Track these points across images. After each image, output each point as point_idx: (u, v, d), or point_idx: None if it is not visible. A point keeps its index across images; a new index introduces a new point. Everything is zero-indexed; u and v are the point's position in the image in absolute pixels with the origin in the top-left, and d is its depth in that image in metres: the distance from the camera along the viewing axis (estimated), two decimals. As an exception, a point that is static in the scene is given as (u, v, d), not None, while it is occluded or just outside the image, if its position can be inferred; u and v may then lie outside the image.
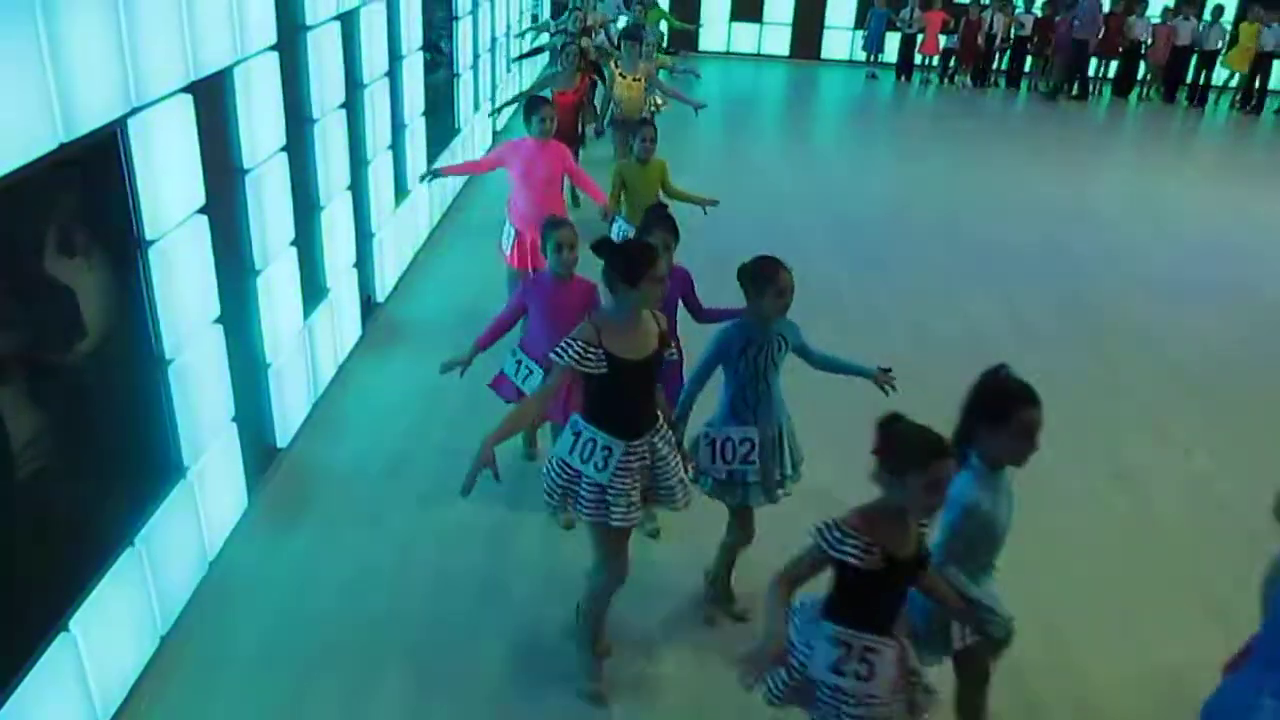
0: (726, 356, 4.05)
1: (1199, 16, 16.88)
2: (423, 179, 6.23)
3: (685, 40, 15.55)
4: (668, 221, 4.69)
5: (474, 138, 10.54)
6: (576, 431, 3.70)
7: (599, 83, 10.54)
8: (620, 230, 6.11)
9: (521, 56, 12.88)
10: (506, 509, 5.08)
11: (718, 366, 4.09)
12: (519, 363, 4.78)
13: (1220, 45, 16.68)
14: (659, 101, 10.05)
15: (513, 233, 6.14)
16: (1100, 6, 16.51)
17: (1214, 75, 17.02)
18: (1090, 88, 17.32)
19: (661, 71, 10.38)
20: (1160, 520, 5.43)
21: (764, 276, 4.01)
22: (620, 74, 9.08)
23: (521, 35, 13.82)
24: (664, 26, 14.39)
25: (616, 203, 6.31)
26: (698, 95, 10.80)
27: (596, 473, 3.65)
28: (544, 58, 12.70)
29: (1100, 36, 16.85)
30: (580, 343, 3.51)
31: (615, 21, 13.32)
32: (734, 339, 4.03)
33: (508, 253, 6.20)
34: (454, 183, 9.63)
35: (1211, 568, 5.04)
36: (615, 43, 11.81)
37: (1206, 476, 5.87)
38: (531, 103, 6.18)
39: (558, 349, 3.55)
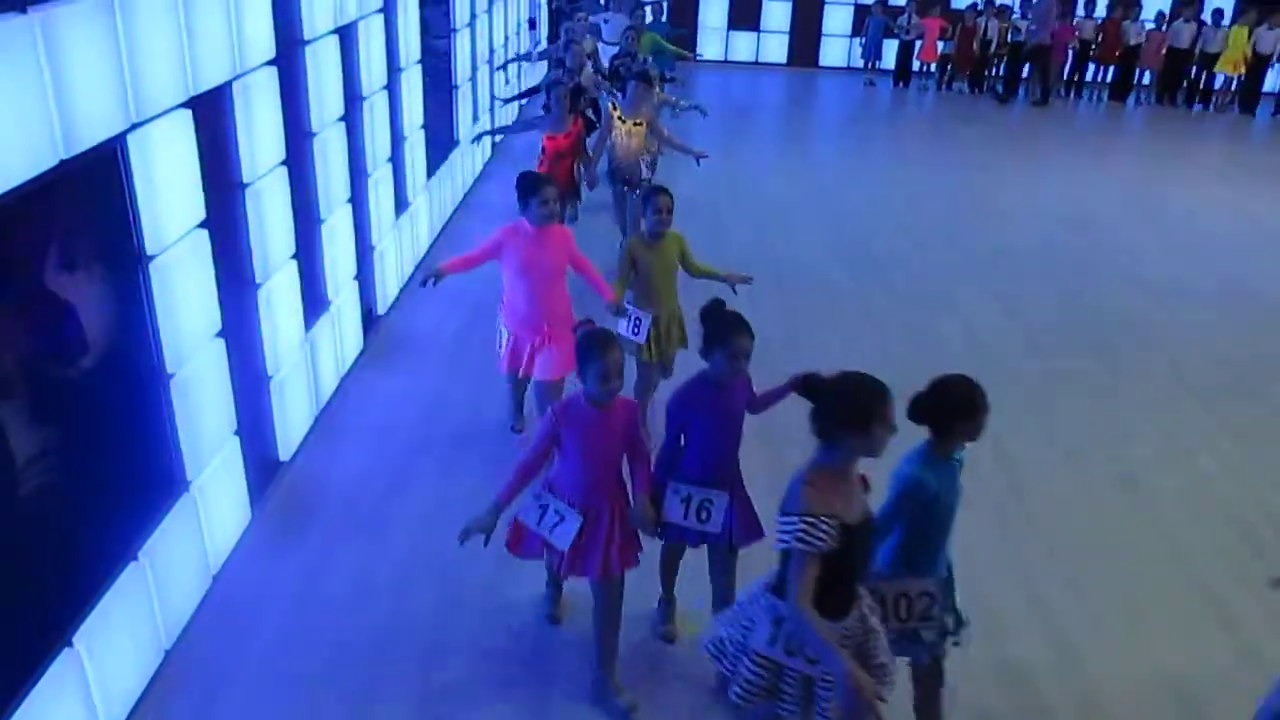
0: (922, 503, 3.34)
1: (1198, 19, 16.89)
2: (424, 283, 5.31)
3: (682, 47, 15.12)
4: (740, 323, 3.89)
5: (474, 151, 10.56)
6: (778, 618, 3.11)
7: (595, 122, 9.30)
8: (634, 320, 5.41)
9: (520, 96, 11.14)
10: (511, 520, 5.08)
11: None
12: (544, 508, 3.85)
13: (1221, 48, 16.64)
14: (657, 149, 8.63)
15: (506, 336, 5.33)
16: (1052, 7, 16.60)
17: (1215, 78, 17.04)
18: (1058, 91, 17.30)
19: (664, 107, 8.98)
20: (1164, 523, 5.43)
21: (973, 405, 3.33)
22: (620, 118, 7.81)
23: (503, 68, 12.09)
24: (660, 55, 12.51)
25: (624, 288, 5.40)
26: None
27: (808, 666, 3.09)
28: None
29: (1099, 40, 16.92)
30: (823, 520, 2.90)
31: (619, 44, 11.35)
32: (930, 484, 3.30)
33: (501, 355, 5.43)
34: (453, 194, 9.65)
35: (1215, 570, 5.04)
36: (606, 75, 10.48)
37: (1210, 478, 5.86)
38: (529, 181, 5.15)
39: (801, 536, 2.90)
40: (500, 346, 5.43)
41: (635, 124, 7.79)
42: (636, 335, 5.42)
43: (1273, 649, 4.56)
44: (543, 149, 7.78)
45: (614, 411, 3.77)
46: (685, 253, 5.50)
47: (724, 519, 3.96)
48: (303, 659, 4.17)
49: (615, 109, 7.89)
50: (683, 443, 3.98)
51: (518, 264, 5.16)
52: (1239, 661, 4.46)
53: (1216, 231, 10.62)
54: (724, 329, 3.85)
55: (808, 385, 3.19)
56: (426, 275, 5.34)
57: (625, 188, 7.95)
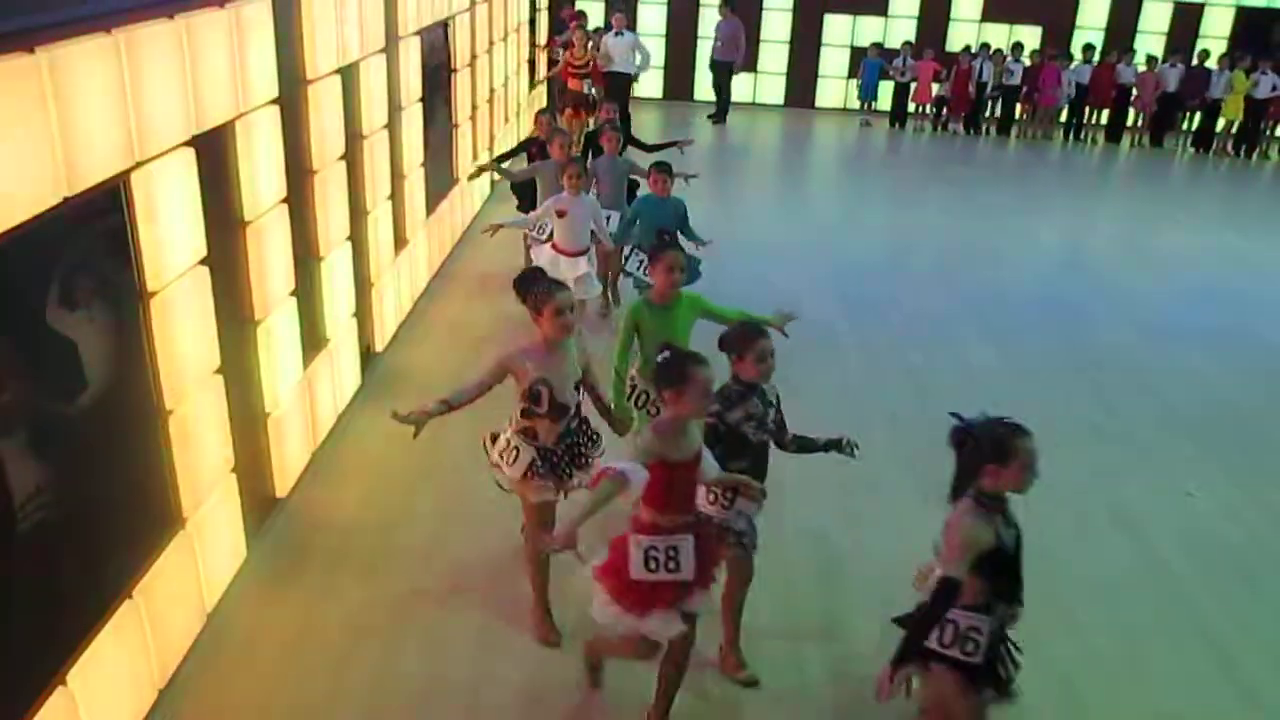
0: None
1: (1187, 64, 17.06)
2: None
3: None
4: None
5: (471, 189, 10.61)
6: None
7: None
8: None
9: None
10: (507, 560, 5.06)
11: None
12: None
13: (1226, 93, 16.74)
14: None
15: None
16: (739, 28, 16.78)
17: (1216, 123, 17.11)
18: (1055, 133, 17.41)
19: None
20: (1162, 563, 5.42)
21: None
22: None
23: None
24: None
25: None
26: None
27: None
28: None
29: (1094, 84, 17.09)
30: None
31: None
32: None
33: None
34: (451, 231, 9.68)
35: (1213, 611, 5.03)
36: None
37: (1207, 519, 5.86)
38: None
39: None
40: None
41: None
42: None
43: (1271, 690, 4.54)
44: None
45: None
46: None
47: None
48: (297, 698, 4.14)
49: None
50: None
51: None
52: (1237, 703, 4.44)
53: (1212, 274, 10.67)
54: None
55: None
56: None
57: None
